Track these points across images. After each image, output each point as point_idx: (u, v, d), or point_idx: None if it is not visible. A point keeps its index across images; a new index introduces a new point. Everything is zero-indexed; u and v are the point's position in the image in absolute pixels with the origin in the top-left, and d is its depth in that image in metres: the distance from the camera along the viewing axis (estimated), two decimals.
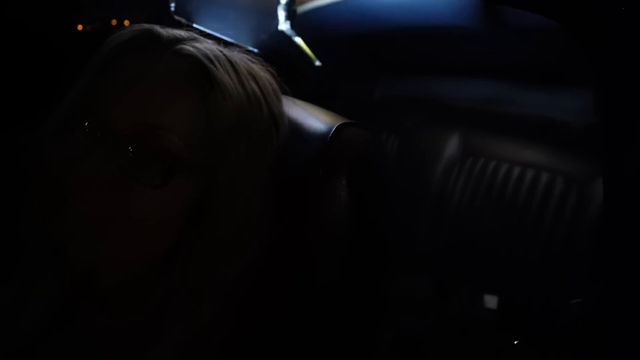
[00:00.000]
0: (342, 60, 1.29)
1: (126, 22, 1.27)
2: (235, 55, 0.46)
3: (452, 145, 1.27)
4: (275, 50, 1.05)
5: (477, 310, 1.09)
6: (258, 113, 0.45)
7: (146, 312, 0.43)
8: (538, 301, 1.05)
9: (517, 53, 1.16)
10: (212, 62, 0.43)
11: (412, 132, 1.35)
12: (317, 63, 1.13)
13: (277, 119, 0.48)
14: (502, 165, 1.15)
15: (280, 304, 0.48)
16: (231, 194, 0.44)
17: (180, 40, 0.45)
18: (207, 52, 0.44)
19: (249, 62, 0.47)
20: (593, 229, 0.98)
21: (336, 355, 0.51)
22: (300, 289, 0.49)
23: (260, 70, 0.47)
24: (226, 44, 0.49)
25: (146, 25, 0.46)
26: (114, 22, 1.25)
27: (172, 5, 1.07)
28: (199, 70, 0.43)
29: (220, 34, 0.92)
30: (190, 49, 0.44)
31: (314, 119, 0.53)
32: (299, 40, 1.12)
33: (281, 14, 1.06)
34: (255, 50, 0.50)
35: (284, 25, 1.06)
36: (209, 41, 0.47)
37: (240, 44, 0.51)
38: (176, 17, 1.09)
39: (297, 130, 0.51)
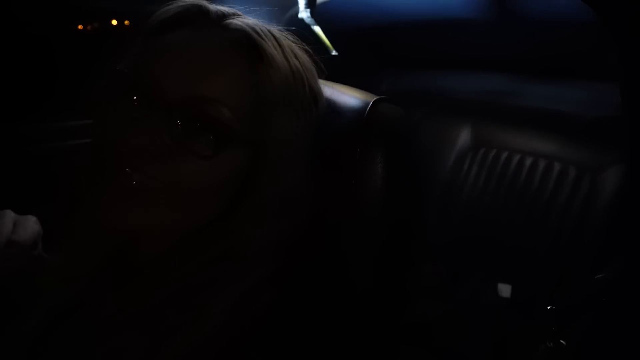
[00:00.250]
0: (352, 52, 1.30)
1: (126, 22, 1.28)
2: (276, 32, 0.48)
3: (462, 137, 1.29)
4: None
5: (488, 298, 1.11)
6: (301, 88, 0.47)
7: (188, 280, 0.45)
8: (547, 290, 1.06)
9: (525, 45, 1.17)
10: (260, 36, 0.45)
11: (421, 124, 1.36)
12: (334, 53, 1.14)
13: (317, 94, 0.49)
14: (514, 156, 1.16)
15: (316, 271, 0.49)
16: (275, 165, 0.45)
17: (227, 15, 0.47)
18: (255, 26, 0.46)
19: (288, 39, 0.49)
20: (605, 217, 1.00)
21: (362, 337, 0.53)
22: (333, 258, 0.51)
23: (298, 48, 0.49)
24: None
25: (194, 0, 0.47)
26: (114, 22, 1.27)
27: None
28: (249, 44, 0.44)
29: None
30: (239, 23, 0.45)
31: (348, 96, 0.54)
32: (317, 29, 1.14)
33: (302, 1, 1.07)
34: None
35: (304, 13, 1.07)
36: (250, 18, 0.49)
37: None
38: None
39: (333, 106, 0.52)
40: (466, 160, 1.26)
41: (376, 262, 0.52)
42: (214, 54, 0.44)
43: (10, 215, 0.49)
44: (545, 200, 1.07)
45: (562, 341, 0.54)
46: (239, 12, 0.48)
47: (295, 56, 0.47)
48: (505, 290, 1.11)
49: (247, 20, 0.47)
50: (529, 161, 1.14)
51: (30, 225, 0.50)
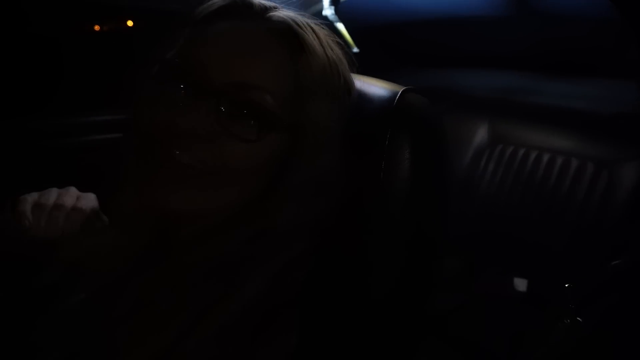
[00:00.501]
0: (370, 49, 1.33)
1: (129, 22, 1.32)
2: (314, 24, 0.51)
3: (479, 134, 1.30)
4: None
5: (504, 292, 1.12)
6: (336, 77, 0.50)
7: (227, 255, 0.48)
8: (564, 284, 1.08)
9: (542, 42, 1.18)
10: (301, 27, 0.48)
11: None
12: (355, 50, 1.17)
13: (349, 84, 0.52)
14: (531, 152, 1.18)
15: (347, 252, 0.52)
16: (312, 148, 0.48)
17: (269, 8, 0.50)
18: (295, 18, 0.49)
19: (324, 31, 0.51)
20: (623, 212, 1.01)
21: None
22: (362, 240, 0.53)
23: (332, 41, 0.52)
24: None
25: None
26: (129, 22, 1.31)
27: None
28: (291, 35, 0.47)
29: None
30: (282, 15, 0.48)
31: (377, 87, 0.57)
32: (340, 26, 1.17)
33: None
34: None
35: (328, 10, 1.10)
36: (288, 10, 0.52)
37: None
38: None
39: (364, 95, 0.55)
40: (483, 156, 1.28)
41: (404, 246, 0.54)
42: (258, 43, 0.47)
43: (74, 189, 0.53)
44: (563, 196, 1.09)
45: (578, 318, 0.56)
46: (277, 5, 0.51)
47: (331, 47, 0.50)
48: (521, 284, 1.13)
49: (287, 12, 0.50)
50: (546, 157, 1.16)
51: (91, 198, 0.54)
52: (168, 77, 0.47)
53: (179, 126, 0.44)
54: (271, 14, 0.49)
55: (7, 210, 0.52)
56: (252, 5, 0.49)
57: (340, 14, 1.13)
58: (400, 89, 0.54)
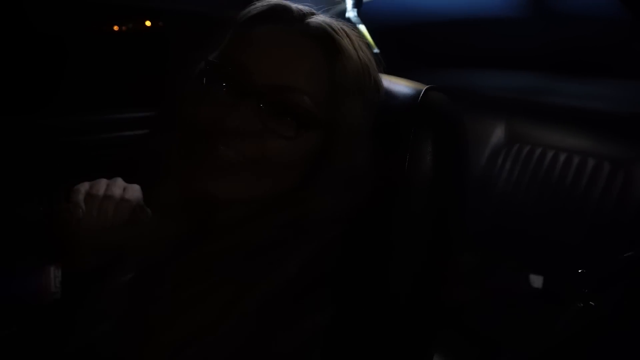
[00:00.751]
0: (389, 49, 1.36)
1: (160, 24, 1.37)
2: (347, 28, 0.54)
3: (496, 133, 1.33)
4: None
5: (519, 287, 1.14)
6: (367, 78, 0.54)
7: (263, 240, 0.52)
8: (579, 282, 1.09)
9: (559, 42, 1.20)
10: (336, 32, 0.52)
11: None
12: (376, 50, 1.20)
13: (378, 83, 0.56)
14: (548, 151, 1.20)
15: (372, 241, 0.56)
16: (346, 145, 0.52)
17: (307, 13, 0.53)
18: (331, 23, 0.53)
19: (355, 34, 0.55)
20: (639, 210, 1.03)
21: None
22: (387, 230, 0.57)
23: (362, 42, 0.55)
24: None
25: (277, 1, 0.54)
26: (147, 23, 1.36)
27: None
28: (327, 39, 0.51)
29: None
30: (319, 20, 0.52)
31: (400, 85, 0.60)
32: (362, 27, 1.20)
33: (349, 1, 1.13)
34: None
35: (351, 12, 1.14)
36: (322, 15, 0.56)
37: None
38: None
39: (389, 93, 0.59)
40: (500, 155, 1.30)
41: (426, 238, 0.57)
42: (297, 48, 0.51)
43: (121, 180, 0.58)
44: (580, 194, 1.11)
45: (591, 302, 0.58)
46: (313, 11, 0.54)
47: (362, 49, 0.54)
48: (536, 281, 1.15)
49: (323, 17, 0.54)
50: (563, 157, 1.17)
51: (136, 189, 0.58)
52: (212, 77, 0.52)
53: (224, 123, 0.49)
54: (309, 19, 0.53)
55: (62, 200, 0.57)
56: (291, 10, 0.53)
57: (361, 15, 1.17)
58: (423, 87, 0.58)
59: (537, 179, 1.19)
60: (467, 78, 1.41)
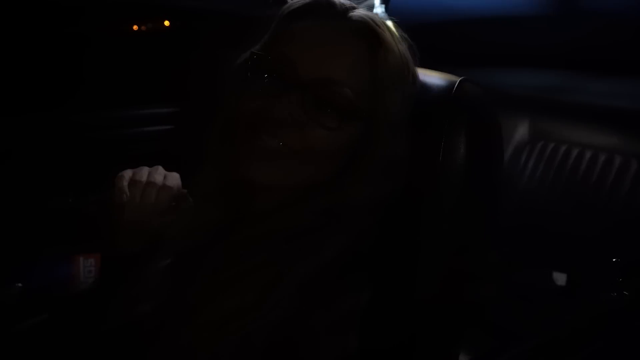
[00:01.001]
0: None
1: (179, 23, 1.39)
2: (386, 21, 0.55)
3: (520, 130, 1.32)
4: None
5: (543, 284, 1.14)
6: (405, 70, 0.55)
7: (302, 224, 0.53)
8: (605, 280, 1.08)
9: (586, 40, 1.19)
10: (378, 25, 0.53)
11: None
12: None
13: (415, 75, 0.57)
14: (573, 149, 1.19)
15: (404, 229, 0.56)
16: (385, 135, 0.53)
17: (349, 8, 0.54)
18: (373, 17, 0.54)
19: (393, 27, 0.56)
20: None
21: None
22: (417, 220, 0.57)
23: (400, 35, 0.56)
24: None
25: None
26: (166, 23, 1.38)
27: None
28: (369, 33, 0.52)
29: None
30: (361, 14, 0.53)
31: (434, 78, 0.61)
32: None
33: None
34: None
35: (379, 8, 1.15)
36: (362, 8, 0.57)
37: None
38: None
39: (424, 84, 0.59)
40: (523, 153, 1.29)
41: (457, 228, 0.58)
42: (340, 41, 0.52)
43: (161, 168, 0.59)
44: (606, 192, 1.10)
45: (625, 292, 0.58)
46: (354, 5, 0.55)
47: (401, 42, 0.55)
48: (560, 278, 1.14)
49: (365, 11, 0.55)
50: (588, 154, 1.17)
51: (176, 177, 0.60)
52: (256, 70, 0.53)
53: (268, 114, 0.50)
54: (351, 13, 0.54)
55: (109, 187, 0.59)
56: (334, 4, 0.54)
57: (389, 12, 1.18)
58: (457, 79, 0.58)
59: (561, 176, 1.19)
60: (490, 76, 1.41)
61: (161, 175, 0.58)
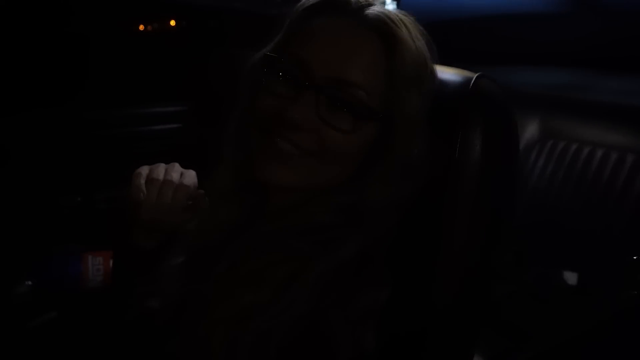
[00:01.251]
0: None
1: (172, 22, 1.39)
2: (404, 17, 0.53)
3: (530, 128, 1.31)
4: None
5: (555, 283, 1.13)
6: (423, 67, 0.53)
7: (320, 221, 0.52)
8: (617, 278, 1.07)
9: (599, 37, 1.18)
10: (394, 23, 0.51)
11: None
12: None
13: (434, 72, 0.56)
14: (584, 147, 1.18)
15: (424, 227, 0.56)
16: (403, 136, 0.51)
17: (365, 5, 0.53)
18: (389, 14, 0.52)
19: (412, 23, 0.54)
20: None
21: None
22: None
23: (418, 31, 0.54)
24: None
25: None
26: (172, 22, 1.38)
27: None
28: (385, 30, 0.51)
29: None
30: (377, 11, 0.52)
31: (450, 73, 0.60)
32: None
33: None
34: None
35: (390, 5, 1.14)
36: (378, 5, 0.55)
37: None
38: None
39: (440, 80, 0.58)
40: (533, 151, 1.28)
41: (474, 225, 0.57)
42: (355, 41, 0.51)
43: (178, 165, 0.59)
44: (619, 190, 1.09)
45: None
46: (370, 1, 0.54)
47: (418, 39, 0.53)
48: (571, 278, 1.14)
49: (381, 8, 0.53)
50: (600, 153, 1.16)
51: (193, 175, 0.59)
52: (270, 71, 0.52)
53: (282, 116, 0.49)
54: (367, 11, 0.52)
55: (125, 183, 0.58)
56: (349, 1, 0.53)
57: (400, 8, 1.17)
58: (473, 75, 0.58)
59: (572, 174, 1.18)
60: (502, 74, 1.40)
61: (178, 173, 0.57)
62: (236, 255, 0.52)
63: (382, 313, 0.49)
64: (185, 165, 0.62)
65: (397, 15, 0.53)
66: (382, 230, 0.52)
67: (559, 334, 0.99)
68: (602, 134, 1.16)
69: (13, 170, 1.08)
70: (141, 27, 1.37)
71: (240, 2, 1.29)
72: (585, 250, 1.11)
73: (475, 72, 0.58)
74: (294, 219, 0.53)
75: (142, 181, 0.56)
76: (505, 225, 0.63)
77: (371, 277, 0.49)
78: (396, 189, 0.52)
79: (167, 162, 0.61)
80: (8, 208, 1.06)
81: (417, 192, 0.53)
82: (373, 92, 0.50)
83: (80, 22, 1.16)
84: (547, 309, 1.05)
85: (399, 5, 1.15)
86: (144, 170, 0.57)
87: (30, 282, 1.01)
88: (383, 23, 0.51)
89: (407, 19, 0.54)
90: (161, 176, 0.56)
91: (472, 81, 0.56)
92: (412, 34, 0.52)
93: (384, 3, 1.16)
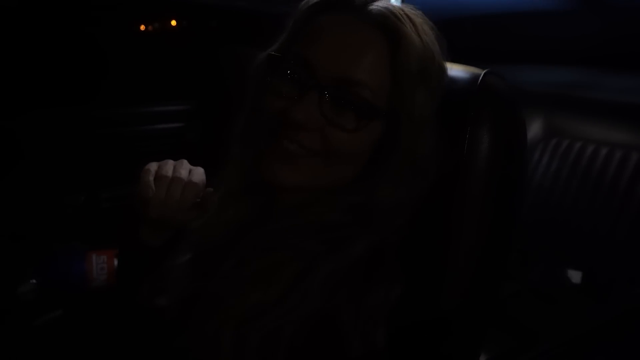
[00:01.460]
0: None
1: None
2: (410, 12, 0.52)
3: (533, 127, 1.31)
4: None
5: (559, 281, 1.13)
6: (431, 64, 0.52)
7: (328, 220, 0.52)
8: (622, 276, 1.07)
9: (605, 35, 1.18)
10: (399, 19, 0.50)
11: None
12: None
13: (443, 68, 0.54)
14: (588, 146, 1.18)
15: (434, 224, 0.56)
16: (410, 134, 0.51)
17: (369, 1, 0.52)
18: (394, 9, 0.51)
19: (419, 18, 0.53)
20: None
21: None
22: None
23: (426, 25, 0.54)
24: None
25: None
26: (173, 22, 1.38)
27: None
28: (389, 27, 0.50)
29: None
30: (380, 7, 0.51)
31: (457, 70, 0.60)
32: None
33: None
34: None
35: (396, 2, 1.14)
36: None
37: None
38: None
39: (448, 76, 0.58)
40: (536, 149, 1.28)
41: (484, 222, 0.57)
42: (359, 39, 0.50)
43: (186, 162, 0.58)
44: (623, 188, 1.09)
45: None
46: None
47: (426, 33, 0.52)
48: (575, 276, 1.14)
49: (385, 4, 0.52)
50: (604, 151, 1.15)
51: (201, 172, 0.59)
52: (275, 71, 0.52)
53: (287, 117, 0.49)
54: (371, 7, 0.51)
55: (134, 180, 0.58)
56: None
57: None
58: (481, 72, 0.57)
59: (576, 172, 1.18)
60: (506, 72, 1.39)
61: (186, 170, 0.57)
62: (244, 254, 0.52)
63: (393, 310, 0.48)
64: (190, 164, 0.62)
65: (402, 10, 0.52)
66: (392, 229, 0.51)
67: (564, 332, 0.99)
68: (606, 132, 1.16)
69: (17, 169, 1.08)
70: (142, 27, 1.37)
71: (242, 1, 1.29)
72: (589, 248, 1.11)
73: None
74: (302, 218, 0.52)
75: (151, 178, 0.55)
76: (515, 222, 0.63)
77: (382, 275, 0.49)
78: (405, 188, 0.51)
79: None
80: (13, 207, 1.06)
81: (426, 190, 0.53)
82: (378, 89, 0.50)
83: (85, 23, 1.16)
84: (552, 307, 1.05)
85: (403, 2, 1.14)
86: (153, 166, 0.57)
87: (34, 281, 1.00)
88: (386, 18, 0.50)
89: (414, 14, 0.53)
90: (170, 173, 0.56)
91: (480, 78, 0.56)
92: (419, 28, 0.51)
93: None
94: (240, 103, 0.59)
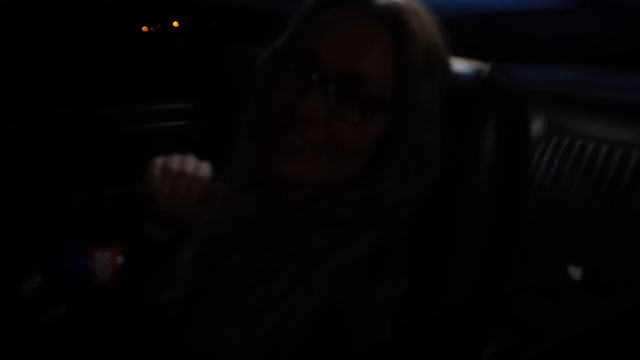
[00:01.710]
0: None
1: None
2: (414, 5, 0.53)
3: (534, 125, 1.31)
4: None
5: (561, 279, 1.13)
6: (436, 58, 0.52)
7: (334, 215, 0.53)
8: (624, 273, 1.08)
9: (607, 34, 1.18)
10: (405, 12, 0.50)
11: None
12: None
13: (447, 62, 0.55)
14: (589, 144, 1.18)
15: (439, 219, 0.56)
16: (416, 128, 0.51)
17: None
18: (398, 2, 0.51)
19: (423, 11, 0.53)
20: None
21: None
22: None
23: (431, 19, 0.54)
24: None
25: None
26: (175, 23, 1.39)
27: None
28: (395, 21, 0.50)
29: None
30: (386, 1, 0.51)
31: (462, 65, 0.60)
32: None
33: None
34: None
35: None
36: None
37: None
38: None
39: (453, 71, 0.58)
40: (538, 148, 1.28)
41: (489, 218, 0.57)
42: (365, 32, 0.50)
43: (192, 157, 0.59)
44: (624, 187, 1.09)
45: None
46: None
47: (431, 27, 0.52)
48: (576, 272, 1.14)
49: None
50: (605, 149, 1.16)
51: (207, 168, 0.59)
52: (280, 66, 0.52)
53: (292, 111, 0.49)
54: (376, 0, 0.51)
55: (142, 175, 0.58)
56: None
57: None
58: (488, 67, 0.58)
59: (577, 170, 1.18)
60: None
61: (192, 165, 0.57)
62: (249, 249, 0.53)
63: (399, 305, 0.49)
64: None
65: (408, 3, 0.52)
66: (397, 224, 0.52)
67: (566, 329, 0.99)
68: (607, 130, 1.17)
69: (21, 167, 1.09)
70: (144, 29, 1.38)
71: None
72: (591, 245, 1.11)
73: None
74: (308, 213, 0.53)
75: (157, 171, 0.56)
76: (521, 218, 0.63)
77: (387, 270, 0.50)
78: (410, 183, 0.52)
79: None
80: (17, 204, 1.07)
81: (431, 185, 0.53)
82: (383, 83, 0.50)
83: (89, 24, 1.17)
84: (554, 304, 1.06)
85: None
86: (159, 161, 0.57)
87: (39, 278, 1.01)
88: (392, 12, 0.50)
89: (419, 8, 0.53)
90: (176, 167, 0.56)
91: (487, 73, 0.56)
92: (425, 21, 0.52)
93: None
94: (245, 100, 0.59)
